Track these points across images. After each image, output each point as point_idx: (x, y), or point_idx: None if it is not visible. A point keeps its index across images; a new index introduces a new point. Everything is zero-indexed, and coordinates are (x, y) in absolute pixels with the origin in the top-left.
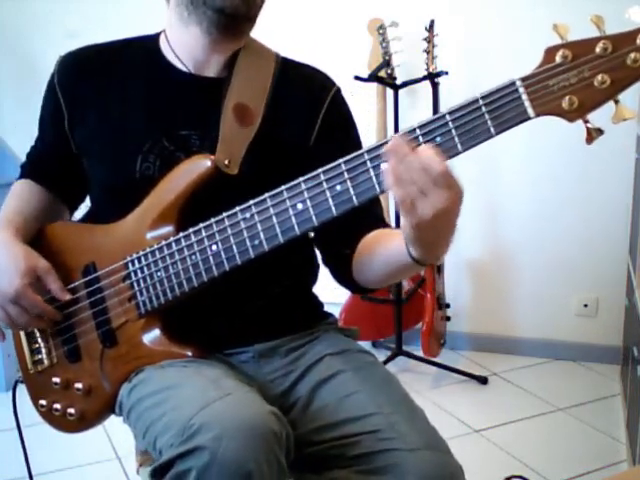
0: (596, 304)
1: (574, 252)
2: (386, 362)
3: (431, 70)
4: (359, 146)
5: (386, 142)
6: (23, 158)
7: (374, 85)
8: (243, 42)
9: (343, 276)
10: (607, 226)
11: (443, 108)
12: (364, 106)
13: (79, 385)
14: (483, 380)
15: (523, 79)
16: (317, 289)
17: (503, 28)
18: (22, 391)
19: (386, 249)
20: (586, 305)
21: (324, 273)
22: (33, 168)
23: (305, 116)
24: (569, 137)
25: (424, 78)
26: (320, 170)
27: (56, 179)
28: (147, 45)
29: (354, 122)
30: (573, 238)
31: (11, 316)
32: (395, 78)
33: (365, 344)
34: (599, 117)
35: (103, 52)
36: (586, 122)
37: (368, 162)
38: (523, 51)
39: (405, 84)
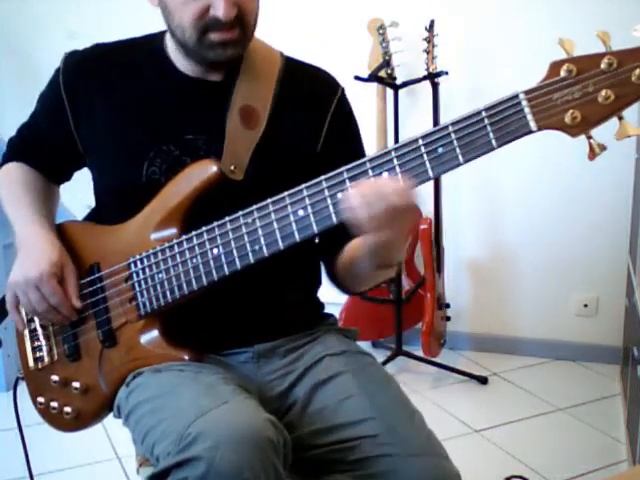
0: (596, 304)
1: (574, 252)
2: (386, 362)
3: (431, 70)
4: (362, 148)
5: (388, 152)
6: None
7: (374, 85)
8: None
9: (333, 279)
10: (607, 226)
11: (443, 108)
12: (364, 106)
13: (77, 384)
14: (483, 380)
15: (527, 92)
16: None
17: (503, 28)
18: (23, 391)
19: (353, 258)
20: (586, 305)
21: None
22: (27, 150)
23: (312, 119)
24: (569, 138)
25: (424, 78)
26: (322, 177)
27: (48, 162)
28: (152, 47)
29: (357, 123)
30: (573, 238)
31: (31, 301)
32: (395, 78)
33: (365, 344)
34: (602, 129)
35: (109, 54)
36: (589, 137)
37: (370, 171)
38: (523, 51)
39: (405, 84)
